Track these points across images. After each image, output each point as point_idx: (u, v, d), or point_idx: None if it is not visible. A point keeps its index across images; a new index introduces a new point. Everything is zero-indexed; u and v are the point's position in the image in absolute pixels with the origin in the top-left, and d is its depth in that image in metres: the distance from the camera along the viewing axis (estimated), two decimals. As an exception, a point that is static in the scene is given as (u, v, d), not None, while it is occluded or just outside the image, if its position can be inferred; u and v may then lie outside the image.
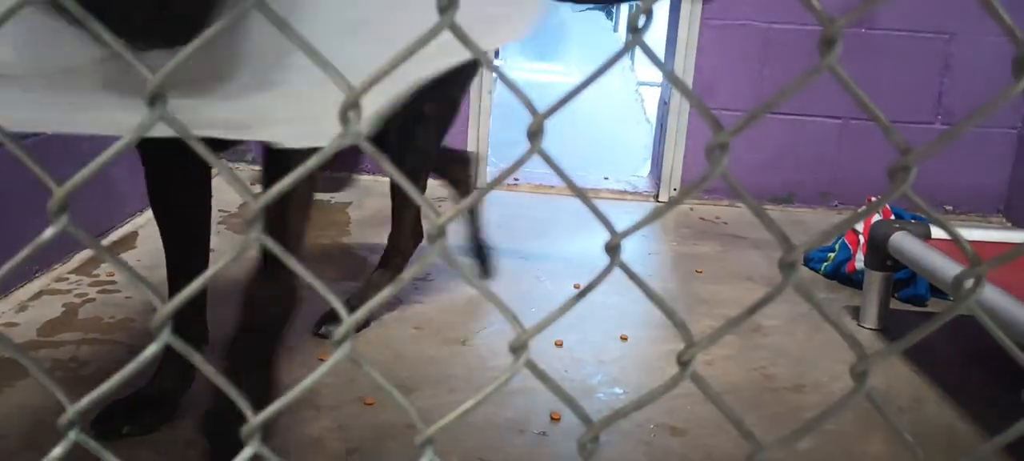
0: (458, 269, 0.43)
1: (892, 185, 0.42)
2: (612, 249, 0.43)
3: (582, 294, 0.43)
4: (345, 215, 2.93)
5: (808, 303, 0.46)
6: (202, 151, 0.40)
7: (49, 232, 0.41)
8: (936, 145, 0.40)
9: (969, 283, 0.42)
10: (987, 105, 0.40)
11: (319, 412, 1.63)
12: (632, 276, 0.44)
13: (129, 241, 2.51)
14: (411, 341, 1.97)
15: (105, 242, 2.45)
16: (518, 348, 0.43)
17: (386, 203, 3.24)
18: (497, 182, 0.42)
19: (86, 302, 2.05)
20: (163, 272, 2.27)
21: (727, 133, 0.40)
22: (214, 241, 1.66)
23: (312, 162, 0.40)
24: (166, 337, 0.40)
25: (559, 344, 1.97)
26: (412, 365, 1.85)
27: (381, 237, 2.68)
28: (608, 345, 2.01)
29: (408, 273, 0.44)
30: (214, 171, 1.68)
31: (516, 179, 3.43)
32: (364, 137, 0.40)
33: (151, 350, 0.40)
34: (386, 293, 0.44)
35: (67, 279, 2.17)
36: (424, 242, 2.25)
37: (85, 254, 2.34)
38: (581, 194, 0.44)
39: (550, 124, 0.42)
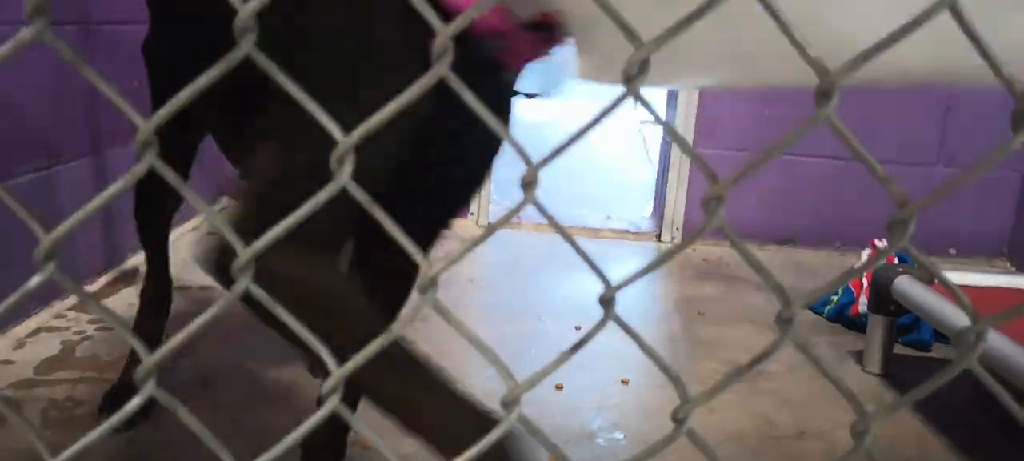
0: (449, 320, 0.42)
1: (891, 238, 0.41)
2: (606, 302, 0.42)
3: (575, 349, 0.43)
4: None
5: (808, 358, 0.45)
6: (191, 197, 0.40)
7: (35, 280, 0.41)
8: (933, 198, 0.39)
9: (971, 339, 0.41)
10: (986, 159, 0.40)
11: (316, 454, 1.61)
12: (627, 330, 0.43)
13: (130, 277, 2.50)
14: (410, 382, 1.95)
15: (106, 278, 2.44)
16: (509, 403, 0.42)
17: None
18: (488, 234, 0.41)
19: (84, 340, 2.04)
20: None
21: (723, 185, 0.39)
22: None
23: (294, 217, 0.40)
24: (151, 390, 0.39)
25: (559, 387, 1.95)
26: (411, 407, 1.83)
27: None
28: (609, 389, 1.99)
29: (398, 324, 0.43)
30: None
31: (518, 218, 3.43)
32: (355, 185, 0.40)
33: (135, 404, 0.39)
34: (373, 346, 0.43)
35: (65, 316, 2.16)
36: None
37: (86, 290, 2.33)
38: (575, 245, 0.43)
39: (551, 164, 0.42)
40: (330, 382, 0.42)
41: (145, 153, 0.38)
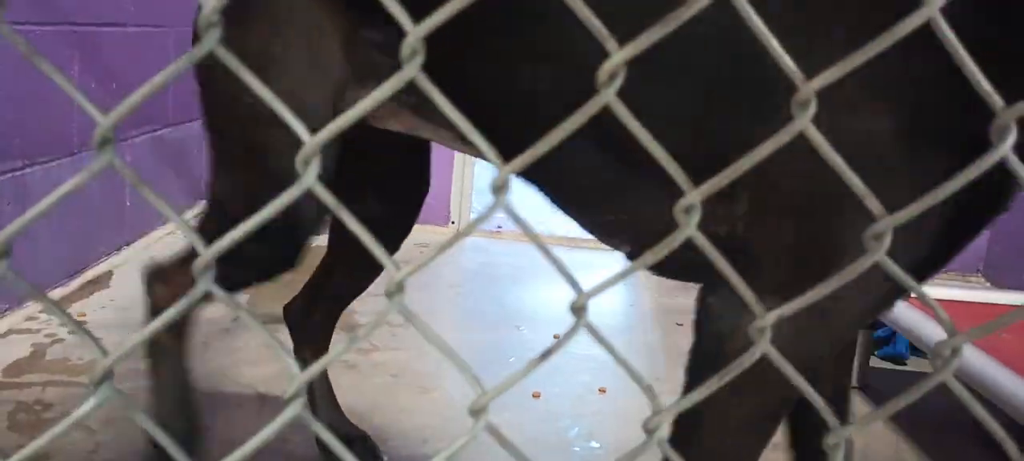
0: (416, 326, 0.41)
1: (867, 252, 0.41)
2: (578, 310, 0.41)
3: (545, 356, 0.42)
4: (325, 259, 2.90)
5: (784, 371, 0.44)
6: (158, 203, 0.39)
7: (-13, 278, 0.39)
8: (909, 212, 0.39)
9: (946, 353, 0.40)
10: (964, 173, 0.39)
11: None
12: (599, 338, 0.42)
13: (103, 280, 2.47)
14: (386, 390, 1.93)
15: (78, 281, 2.41)
16: (477, 411, 0.41)
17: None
18: (455, 240, 0.41)
19: (55, 342, 2.01)
20: (137, 313, 2.23)
21: (697, 193, 0.39)
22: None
23: (259, 216, 0.38)
24: (106, 392, 0.38)
25: (536, 395, 1.94)
26: (386, 414, 1.82)
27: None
28: (586, 397, 1.98)
29: (363, 330, 0.42)
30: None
31: (499, 226, 3.42)
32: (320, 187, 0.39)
33: (86, 407, 0.38)
34: (339, 350, 0.42)
35: (37, 318, 2.13)
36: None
37: (57, 293, 2.30)
38: (547, 251, 0.42)
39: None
40: (293, 387, 0.41)
41: (103, 149, 0.37)
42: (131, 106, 0.37)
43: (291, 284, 2.54)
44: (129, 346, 0.39)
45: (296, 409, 0.40)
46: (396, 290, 0.40)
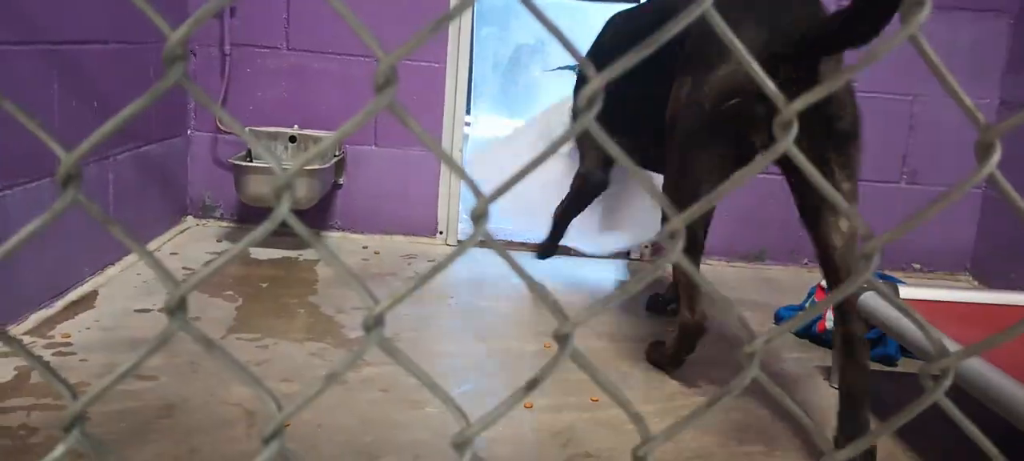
0: (399, 361, 0.40)
1: (857, 272, 0.40)
2: (561, 338, 0.40)
3: (530, 387, 0.41)
4: (313, 273, 2.89)
5: (767, 381, 0.43)
6: (120, 238, 0.37)
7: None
8: (896, 233, 0.38)
9: (934, 376, 0.39)
10: (948, 194, 0.38)
11: (278, 481, 1.57)
12: (584, 366, 0.41)
13: (88, 301, 2.44)
14: (377, 405, 1.92)
15: (62, 302, 2.38)
16: (461, 445, 0.40)
17: (354, 261, 3.20)
18: (438, 270, 0.40)
19: (39, 365, 1.98)
20: (123, 333, 2.22)
21: (680, 219, 0.38)
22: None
23: (251, 237, 0.37)
24: (75, 439, 0.37)
25: (529, 406, 1.93)
26: (377, 430, 1.80)
27: (350, 297, 2.64)
28: (579, 407, 1.97)
29: (341, 365, 0.41)
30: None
31: (492, 236, 3.40)
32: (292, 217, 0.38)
33: (57, 452, 0.37)
34: (318, 390, 0.41)
35: (20, 341, 2.10)
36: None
37: (41, 314, 2.27)
38: (529, 280, 0.41)
39: (523, 182, 0.40)
40: (271, 427, 0.39)
41: (68, 187, 0.35)
42: (95, 142, 0.36)
43: (282, 300, 2.53)
44: (99, 390, 0.37)
45: (274, 450, 0.39)
46: (374, 323, 0.39)
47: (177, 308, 0.38)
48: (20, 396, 1.83)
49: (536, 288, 0.40)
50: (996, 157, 0.37)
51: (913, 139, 3.39)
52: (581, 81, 2.84)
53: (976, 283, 3.43)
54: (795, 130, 0.38)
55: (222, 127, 3.33)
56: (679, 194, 1.94)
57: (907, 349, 2.31)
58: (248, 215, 3.44)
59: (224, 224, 3.42)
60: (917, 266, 3.50)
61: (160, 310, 2.40)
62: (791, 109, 0.39)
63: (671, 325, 2.60)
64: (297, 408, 0.40)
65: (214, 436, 1.71)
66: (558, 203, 2.83)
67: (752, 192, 3.36)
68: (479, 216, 0.38)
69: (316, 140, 3.28)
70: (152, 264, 0.38)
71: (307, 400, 0.40)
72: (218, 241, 3.23)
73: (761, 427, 1.96)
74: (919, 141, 3.39)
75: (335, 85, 3.31)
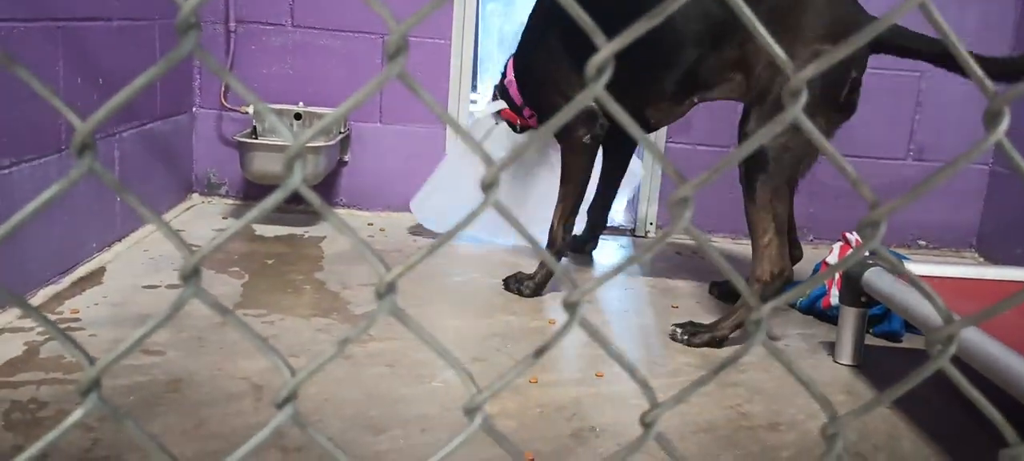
0: (409, 326, 0.41)
1: (863, 240, 0.40)
2: (570, 306, 0.40)
3: (539, 354, 0.41)
4: (318, 249, 2.90)
5: (775, 353, 0.44)
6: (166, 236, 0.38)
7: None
8: (904, 201, 0.39)
9: (940, 344, 0.40)
10: (957, 161, 0.39)
11: (286, 454, 1.58)
12: (593, 334, 0.42)
13: (96, 277, 2.45)
14: (383, 379, 1.93)
15: (70, 278, 2.39)
16: (472, 410, 0.41)
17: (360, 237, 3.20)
18: (449, 236, 0.40)
19: (49, 340, 2.00)
20: (131, 309, 2.23)
21: (690, 186, 0.38)
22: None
23: (253, 213, 0.38)
24: (93, 402, 0.38)
25: (534, 381, 1.94)
26: (384, 404, 1.82)
27: (356, 273, 2.65)
28: (584, 382, 1.98)
29: (354, 332, 0.41)
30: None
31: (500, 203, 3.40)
32: (307, 186, 0.38)
33: (75, 416, 0.37)
34: (330, 356, 0.41)
35: (38, 309, 2.12)
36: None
37: (50, 290, 2.28)
38: (540, 248, 0.42)
39: (526, 157, 0.41)
40: (284, 392, 0.40)
41: (83, 155, 0.36)
42: (110, 111, 0.37)
43: (288, 277, 2.54)
44: (115, 355, 0.38)
45: (287, 414, 0.40)
46: (386, 291, 0.39)
47: (192, 275, 0.38)
48: (30, 370, 1.85)
49: (544, 255, 0.41)
50: (1005, 124, 0.37)
51: (921, 115, 3.38)
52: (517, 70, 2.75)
53: (982, 260, 3.42)
54: (804, 98, 0.39)
55: (227, 104, 3.33)
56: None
57: (912, 325, 2.32)
58: (253, 192, 3.45)
59: (229, 202, 3.43)
60: (923, 243, 3.49)
61: (168, 287, 2.41)
62: (800, 78, 0.39)
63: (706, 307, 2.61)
64: (309, 373, 0.40)
65: (221, 409, 1.73)
66: (557, 208, 2.64)
67: (757, 169, 3.34)
68: (490, 185, 0.38)
69: (322, 118, 3.28)
70: (167, 233, 0.39)
71: (320, 365, 0.40)
72: (223, 218, 3.24)
73: (766, 402, 1.97)
74: (926, 117, 3.38)
75: (340, 63, 3.31)
